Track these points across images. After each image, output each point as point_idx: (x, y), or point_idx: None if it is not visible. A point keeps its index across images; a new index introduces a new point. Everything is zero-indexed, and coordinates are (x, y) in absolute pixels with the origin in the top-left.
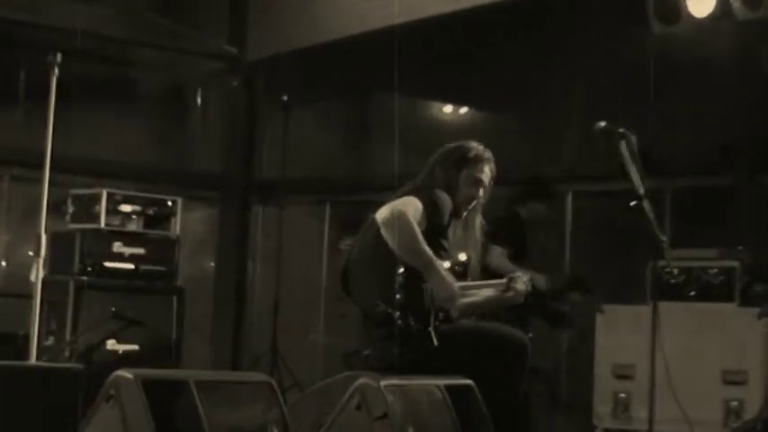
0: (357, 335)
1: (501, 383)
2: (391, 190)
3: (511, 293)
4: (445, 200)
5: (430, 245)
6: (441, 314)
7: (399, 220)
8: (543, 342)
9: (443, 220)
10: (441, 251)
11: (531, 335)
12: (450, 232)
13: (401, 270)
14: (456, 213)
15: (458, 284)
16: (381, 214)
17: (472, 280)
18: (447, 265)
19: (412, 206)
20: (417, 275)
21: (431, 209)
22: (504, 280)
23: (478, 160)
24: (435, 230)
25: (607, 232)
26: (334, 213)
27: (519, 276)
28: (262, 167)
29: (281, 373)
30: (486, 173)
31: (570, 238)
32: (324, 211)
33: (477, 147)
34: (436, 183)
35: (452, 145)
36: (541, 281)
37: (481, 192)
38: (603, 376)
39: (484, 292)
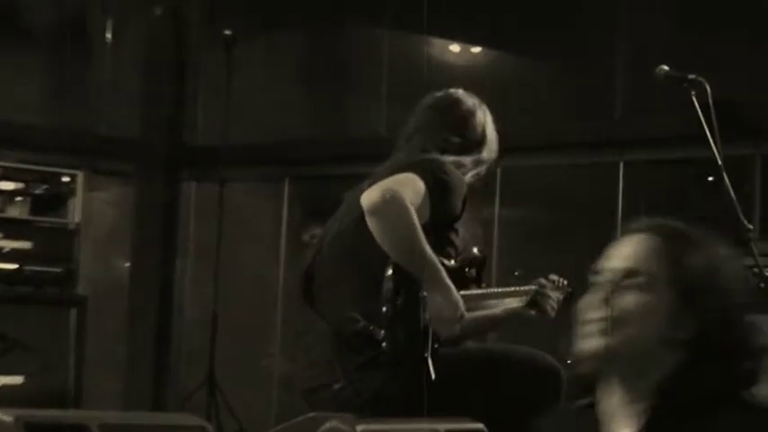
0: (325, 361)
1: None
2: (376, 160)
3: (539, 307)
4: (458, 179)
5: (434, 241)
6: (442, 336)
7: (393, 206)
8: None
9: (455, 208)
10: (448, 249)
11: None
12: (460, 224)
13: (389, 273)
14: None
15: (469, 292)
16: (369, 197)
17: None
18: (455, 264)
19: (411, 187)
20: (412, 282)
21: (438, 192)
22: (529, 287)
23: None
24: (443, 222)
25: (670, 217)
26: (296, 192)
27: (553, 283)
28: (195, 130)
29: (221, 414)
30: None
31: (621, 222)
32: (281, 190)
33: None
34: (440, 147)
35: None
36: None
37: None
38: None
39: (494, 302)
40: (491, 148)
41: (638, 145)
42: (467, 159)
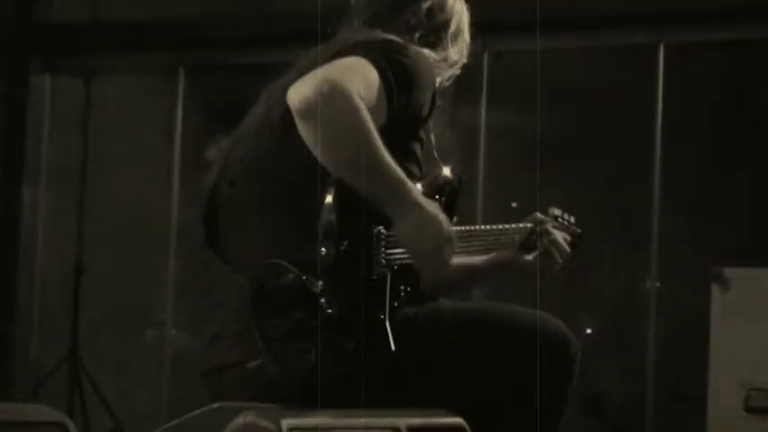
0: (237, 330)
1: (526, 420)
2: (307, 42)
3: (539, 252)
4: (426, 67)
5: (393, 152)
6: (404, 288)
7: (334, 102)
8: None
9: (421, 106)
10: (408, 165)
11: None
12: (428, 131)
13: (330, 199)
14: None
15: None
16: (299, 92)
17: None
18: (420, 189)
19: (360, 75)
20: (363, 210)
21: (398, 82)
22: (523, 224)
23: None
24: (403, 126)
25: (716, 118)
26: (195, 88)
27: (555, 219)
28: (50, 1)
29: (88, 404)
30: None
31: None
32: (173, 85)
33: None
34: (400, 28)
35: None
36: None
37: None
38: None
39: (476, 245)
40: (461, 50)
41: (684, 22)
42: (431, 54)
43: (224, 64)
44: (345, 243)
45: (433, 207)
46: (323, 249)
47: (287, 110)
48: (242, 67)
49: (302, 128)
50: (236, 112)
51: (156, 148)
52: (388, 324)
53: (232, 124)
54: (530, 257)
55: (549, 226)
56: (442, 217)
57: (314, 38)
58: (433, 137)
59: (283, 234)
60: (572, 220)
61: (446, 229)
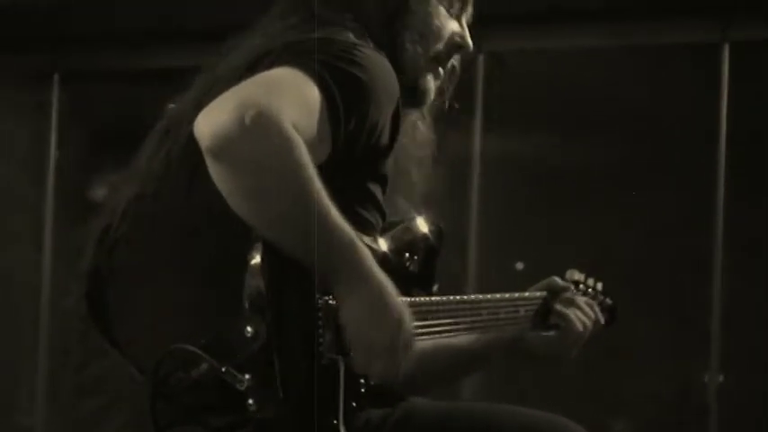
0: None
1: None
2: (221, 40)
3: (556, 327)
4: (384, 75)
5: (342, 196)
6: (365, 382)
7: (258, 136)
8: None
9: (381, 130)
10: (365, 215)
11: None
12: (389, 162)
13: (256, 260)
14: (418, 99)
15: (414, 300)
16: (211, 122)
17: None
18: (384, 246)
19: (293, 97)
20: (300, 276)
21: (348, 101)
22: (535, 293)
23: None
24: (356, 158)
25: None
26: (74, 102)
27: (577, 286)
28: None
29: None
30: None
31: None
32: (46, 96)
33: None
34: (359, 23)
35: None
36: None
37: (455, 62)
38: None
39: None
40: (442, 36)
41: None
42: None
43: (113, 69)
44: (281, 319)
45: (387, 283)
46: (248, 329)
47: (195, 144)
48: (139, 74)
49: (215, 171)
50: (132, 136)
51: (19, 183)
52: (342, 429)
53: (125, 154)
54: (540, 338)
55: (569, 295)
56: (406, 310)
57: (231, 34)
58: (412, 172)
59: (194, 308)
60: (599, 287)
61: (406, 324)
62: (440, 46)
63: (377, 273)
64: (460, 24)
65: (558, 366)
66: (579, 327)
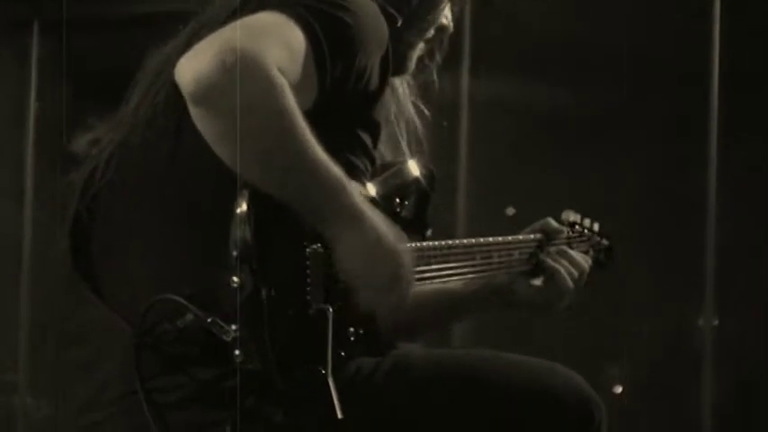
0: (117, 395)
1: None
2: None
3: (548, 274)
4: (372, 19)
5: (330, 142)
6: (354, 331)
7: (242, 79)
8: None
9: (370, 76)
10: (354, 160)
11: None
12: (381, 111)
13: (242, 208)
14: (402, 67)
15: (412, 246)
16: (192, 68)
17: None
18: (372, 192)
19: (277, 41)
20: (287, 222)
21: (334, 45)
22: (527, 236)
23: None
24: (344, 104)
25: None
26: (55, 51)
27: (572, 229)
28: None
29: None
30: None
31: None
32: (26, 46)
33: None
34: None
35: None
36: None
37: (447, 14)
38: None
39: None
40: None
41: None
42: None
43: (94, 16)
44: (268, 268)
45: (379, 218)
46: (235, 279)
47: (176, 91)
48: (123, 21)
49: (198, 117)
50: (114, 87)
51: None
52: (332, 383)
53: (108, 104)
54: (535, 283)
55: (563, 237)
56: (394, 232)
57: None
58: (397, 119)
59: (179, 258)
60: (596, 228)
61: (400, 249)
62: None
63: (369, 210)
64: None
65: (546, 316)
66: (569, 283)
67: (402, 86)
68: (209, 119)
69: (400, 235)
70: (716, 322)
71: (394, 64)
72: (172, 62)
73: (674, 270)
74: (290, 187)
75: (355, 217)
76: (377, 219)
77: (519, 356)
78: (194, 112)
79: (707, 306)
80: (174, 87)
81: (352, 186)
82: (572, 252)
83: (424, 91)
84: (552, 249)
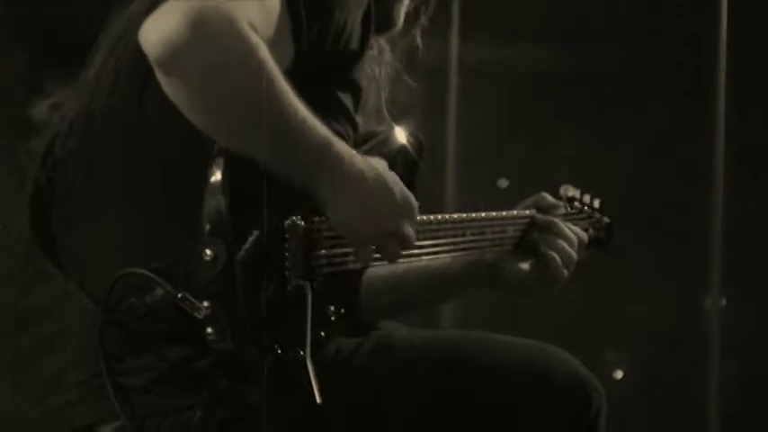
0: (83, 378)
1: None
2: None
3: (541, 255)
4: None
5: (308, 105)
6: (334, 309)
7: (212, 38)
8: None
9: (350, 34)
10: (337, 123)
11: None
12: (363, 73)
13: (216, 177)
14: (388, 22)
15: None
16: (156, 29)
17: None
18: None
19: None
20: (265, 190)
21: (308, 3)
22: (521, 211)
23: None
24: (322, 65)
25: None
26: (10, 17)
27: (571, 204)
28: None
29: None
30: None
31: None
32: None
33: None
34: None
35: None
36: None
37: None
38: None
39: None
40: None
41: None
42: None
43: None
44: (243, 241)
45: (380, 166)
46: (208, 252)
47: (140, 52)
48: None
49: (166, 82)
50: (75, 50)
51: None
52: (310, 365)
53: (70, 68)
54: (527, 265)
55: (558, 214)
56: (395, 179)
57: None
58: (382, 82)
59: (147, 230)
60: (596, 204)
61: (403, 195)
62: None
63: (361, 160)
64: None
65: (533, 298)
66: (561, 271)
67: (389, 47)
68: (178, 84)
69: (399, 181)
70: (723, 303)
71: (379, 20)
72: (136, 23)
73: (679, 247)
74: (275, 150)
75: (347, 172)
76: (376, 166)
77: (510, 337)
78: (162, 76)
79: (713, 285)
80: (139, 50)
81: (341, 142)
82: (565, 230)
83: (408, 57)
84: (546, 227)
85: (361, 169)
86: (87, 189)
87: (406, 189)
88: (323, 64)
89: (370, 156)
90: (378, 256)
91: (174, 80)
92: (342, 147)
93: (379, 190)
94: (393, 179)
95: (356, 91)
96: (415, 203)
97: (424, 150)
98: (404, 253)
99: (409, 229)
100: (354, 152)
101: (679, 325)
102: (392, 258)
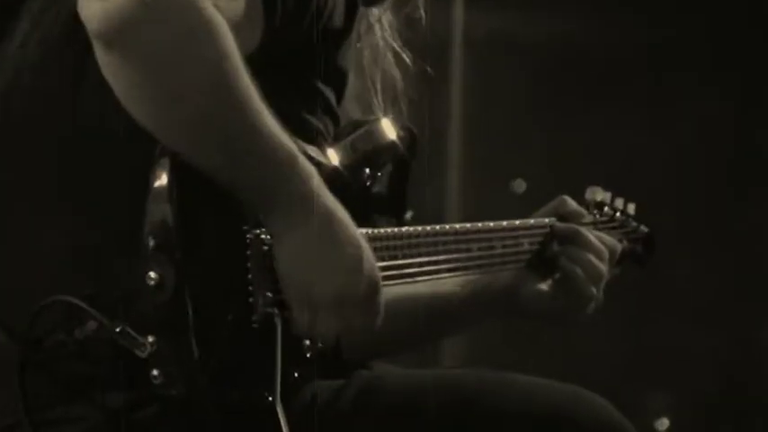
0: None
1: None
2: None
3: (564, 272)
4: None
5: (280, 95)
6: (310, 345)
7: (165, 15)
8: None
9: (332, 9)
10: (313, 116)
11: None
12: (348, 57)
13: (161, 182)
14: None
15: (379, 232)
16: (97, 6)
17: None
18: (334, 159)
19: None
20: (220, 201)
21: None
22: (540, 220)
23: None
24: (298, 48)
25: None
26: None
27: (601, 211)
28: None
29: None
30: None
31: None
32: None
33: None
34: None
35: None
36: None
37: None
38: None
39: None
40: None
41: None
42: None
43: None
44: (196, 260)
45: (339, 211)
46: (152, 274)
47: (80, 26)
48: None
49: (107, 62)
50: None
51: None
52: (280, 412)
53: None
54: (546, 285)
55: (584, 222)
56: (356, 236)
57: None
58: (370, 67)
59: (77, 247)
60: (631, 210)
61: (363, 256)
62: None
63: (325, 196)
64: None
65: (561, 327)
66: (589, 290)
67: (379, 25)
68: (121, 66)
69: (361, 234)
70: None
71: None
72: None
73: (735, 264)
74: (225, 161)
75: (305, 205)
76: (334, 209)
77: (528, 378)
78: (103, 56)
79: None
80: (75, 20)
81: (306, 164)
82: (592, 240)
83: (407, 31)
84: (568, 237)
85: (328, 208)
86: (2, 193)
87: (374, 262)
88: (299, 45)
89: (352, 157)
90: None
91: (116, 62)
92: (305, 169)
93: (347, 242)
94: (363, 243)
95: (339, 78)
96: (380, 284)
97: (417, 147)
98: (395, 273)
99: (366, 318)
100: (318, 179)
101: (735, 361)
102: (325, 341)
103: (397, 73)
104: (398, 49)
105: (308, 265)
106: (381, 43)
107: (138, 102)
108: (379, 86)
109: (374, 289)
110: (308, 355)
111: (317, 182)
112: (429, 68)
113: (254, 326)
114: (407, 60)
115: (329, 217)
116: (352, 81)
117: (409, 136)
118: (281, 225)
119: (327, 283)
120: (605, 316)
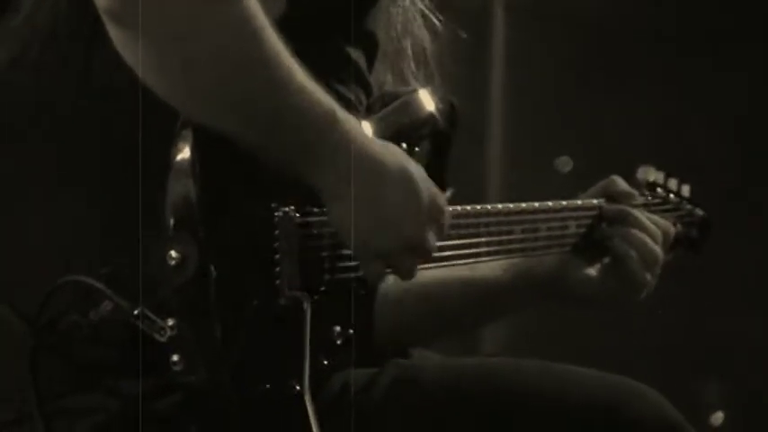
0: (12, 419)
1: None
2: None
3: (616, 255)
4: None
5: (307, 63)
6: (340, 330)
7: None
8: None
9: None
10: (344, 88)
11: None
12: (378, 20)
13: (182, 156)
14: None
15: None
16: None
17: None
18: (368, 132)
19: None
20: (247, 177)
21: None
22: (587, 201)
23: None
24: (325, 12)
25: None
26: None
27: (653, 191)
28: None
29: None
30: None
31: None
32: None
33: None
34: None
35: None
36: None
37: None
38: None
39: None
40: None
41: None
42: None
43: None
44: (220, 239)
45: (398, 154)
46: (173, 253)
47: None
48: None
49: (119, 38)
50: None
51: None
52: (309, 403)
53: None
54: (595, 270)
55: (636, 204)
56: (420, 172)
57: None
58: (401, 35)
59: (93, 225)
60: (686, 192)
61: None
62: None
63: (378, 144)
64: None
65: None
66: (643, 273)
67: None
68: (134, 39)
69: (424, 174)
70: None
71: None
72: None
73: None
74: (259, 126)
75: (362, 157)
76: (393, 154)
77: (577, 368)
78: (113, 30)
79: None
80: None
81: (349, 118)
82: (645, 221)
83: None
84: (618, 218)
85: (376, 156)
86: (13, 170)
87: (434, 186)
88: (326, 8)
89: (388, 130)
90: (388, 271)
91: (127, 35)
92: (352, 123)
93: (400, 186)
94: (418, 172)
95: (370, 44)
96: (446, 207)
97: (458, 119)
98: (435, 255)
99: (434, 242)
100: (369, 133)
101: None
102: (407, 277)
103: (427, 42)
104: (428, 11)
105: (375, 212)
106: (413, 10)
107: (157, 72)
108: (410, 53)
109: (441, 213)
110: (337, 342)
111: (362, 133)
112: (463, 33)
113: (281, 310)
114: (437, 24)
115: (385, 157)
116: (382, 48)
117: (449, 108)
118: (329, 178)
119: (395, 226)
120: (657, 302)
